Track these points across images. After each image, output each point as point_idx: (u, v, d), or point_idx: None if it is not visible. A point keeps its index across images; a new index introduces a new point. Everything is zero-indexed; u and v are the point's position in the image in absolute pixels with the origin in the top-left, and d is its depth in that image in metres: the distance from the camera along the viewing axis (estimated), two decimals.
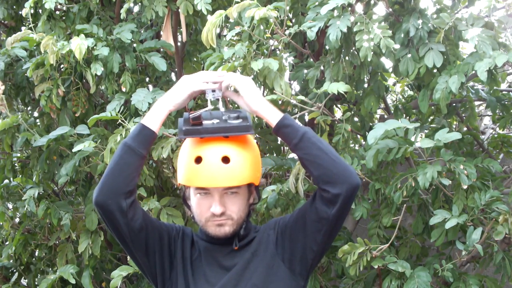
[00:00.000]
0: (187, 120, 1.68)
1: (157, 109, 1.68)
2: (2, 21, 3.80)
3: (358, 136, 3.36)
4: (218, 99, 1.70)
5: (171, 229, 1.80)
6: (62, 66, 3.13)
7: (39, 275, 3.67)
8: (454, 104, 3.17)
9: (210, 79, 1.69)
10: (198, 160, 1.63)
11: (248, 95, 1.67)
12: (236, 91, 1.71)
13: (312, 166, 1.64)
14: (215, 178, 1.61)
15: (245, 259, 1.74)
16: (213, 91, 1.69)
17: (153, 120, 1.66)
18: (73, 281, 3.06)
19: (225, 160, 1.62)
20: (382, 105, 3.48)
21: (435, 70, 2.65)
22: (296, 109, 2.75)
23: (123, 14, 2.95)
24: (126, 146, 1.64)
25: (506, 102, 3.17)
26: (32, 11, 3.13)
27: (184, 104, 1.70)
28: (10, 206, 3.76)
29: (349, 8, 2.64)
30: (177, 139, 2.80)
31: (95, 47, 2.93)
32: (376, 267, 2.61)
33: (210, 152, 1.63)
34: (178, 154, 2.75)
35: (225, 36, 3.25)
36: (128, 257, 2.87)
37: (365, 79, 2.99)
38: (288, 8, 2.68)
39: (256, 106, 1.67)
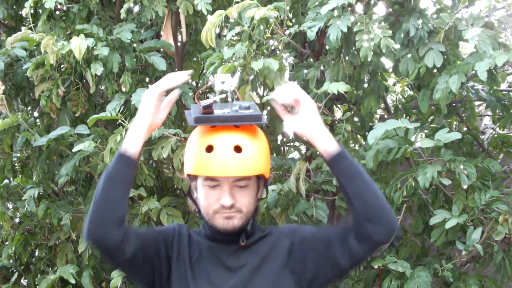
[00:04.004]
0: (197, 108, 1.63)
1: (131, 132, 1.61)
2: (2, 21, 3.80)
3: (358, 136, 3.36)
4: (226, 91, 1.66)
5: (166, 235, 1.72)
6: (62, 66, 3.12)
7: (39, 275, 3.66)
8: (454, 104, 3.17)
9: (173, 80, 1.64)
10: (209, 149, 1.57)
11: (308, 113, 1.61)
12: (290, 107, 1.66)
13: (358, 202, 1.58)
14: (227, 167, 1.56)
15: (255, 263, 1.67)
16: (223, 82, 1.65)
17: (130, 145, 1.59)
18: (73, 281, 3.06)
19: (237, 149, 1.57)
20: (382, 105, 3.48)
21: (435, 70, 2.65)
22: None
23: (123, 14, 2.95)
24: (107, 177, 1.58)
25: (506, 102, 3.17)
26: (32, 11, 3.13)
27: (159, 116, 1.64)
28: (10, 206, 3.76)
29: (349, 8, 2.64)
30: (177, 139, 2.80)
31: (95, 47, 2.93)
32: (376, 267, 2.61)
33: (222, 141, 1.58)
34: (181, 151, 2.78)
35: (225, 36, 3.25)
36: None
37: (365, 79, 2.99)
38: (288, 8, 2.68)
39: (313, 127, 1.61)
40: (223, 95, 1.66)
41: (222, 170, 1.56)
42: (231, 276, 1.65)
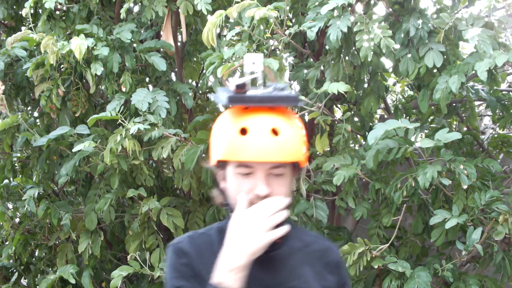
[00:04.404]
0: (227, 90, 1.50)
1: (235, 265, 1.38)
2: (2, 21, 3.80)
3: (358, 136, 3.36)
4: (257, 72, 1.52)
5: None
6: (62, 66, 3.12)
7: (39, 275, 3.66)
8: (454, 104, 3.17)
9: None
10: (244, 131, 1.42)
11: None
12: None
13: None
14: (263, 152, 1.40)
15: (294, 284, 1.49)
16: (253, 63, 1.51)
17: (235, 281, 1.37)
18: (73, 281, 3.06)
19: (274, 132, 1.41)
20: (382, 105, 3.48)
21: (435, 70, 2.65)
22: (296, 109, 2.75)
23: (123, 14, 2.94)
24: None
25: (506, 102, 3.17)
26: (32, 11, 3.12)
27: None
28: (10, 206, 3.75)
29: (349, 8, 2.64)
30: (177, 139, 2.80)
31: (95, 47, 2.93)
32: (376, 267, 2.61)
33: (258, 123, 1.43)
34: (181, 150, 2.78)
35: (225, 36, 3.25)
36: (128, 257, 2.90)
37: (365, 79, 2.99)
38: (288, 8, 2.68)
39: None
40: (254, 76, 1.51)
41: (258, 155, 1.40)
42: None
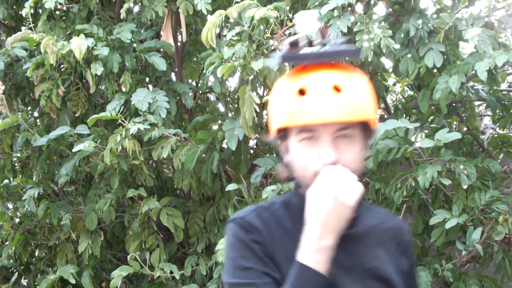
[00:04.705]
0: (282, 48, 1.36)
1: (322, 245, 1.23)
2: (2, 21, 3.80)
3: None
4: (311, 31, 1.36)
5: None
6: (62, 66, 3.12)
7: (39, 275, 3.66)
8: (454, 104, 3.17)
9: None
10: (302, 92, 1.27)
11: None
12: None
13: None
14: (325, 111, 1.23)
15: (372, 265, 1.31)
16: (306, 20, 1.36)
17: (325, 261, 1.23)
18: (73, 281, 3.06)
19: (337, 89, 1.25)
20: (382, 105, 3.48)
21: (435, 70, 2.65)
22: None
23: (123, 14, 2.94)
24: None
25: (506, 102, 3.17)
26: (32, 11, 3.12)
27: None
28: (10, 206, 3.75)
29: (349, 8, 2.64)
30: (177, 139, 2.80)
31: (95, 47, 2.93)
32: None
33: (317, 81, 1.28)
34: (181, 150, 2.78)
35: (225, 36, 3.25)
36: (128, 257, 2.90)
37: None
38: (288, 8, 2.68)
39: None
40: (309, 33, 1.35)
41: (320, 116, 1.24)
42: (348, 278, 1.29)
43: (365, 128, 1.31)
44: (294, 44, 1.33)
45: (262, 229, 1.31)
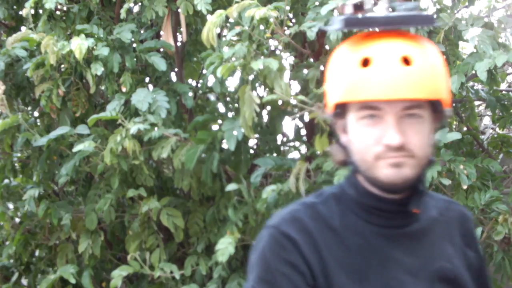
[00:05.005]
0: (345, 10, 1.20)
1: None
2: (2, 21, 3.80)
3: None
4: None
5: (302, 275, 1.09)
6: (62, 66, 3.12)
7: (39, 275, 3.66)
8: (454, 104, 3.17)
9: None
10: (366, 62, 1.10)
11: None
12: None
13: None
14: (392, 86, 1.07)
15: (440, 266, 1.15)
16: None
17: None
18: (73, 281, 3.06)
19: (406, 61, 1.09)
20: None
21: None
22: (296, 109, 2.75)
23: (123, 14, 2.95)
24: None
25: (506, 102, 3.17)
26: (32, 11, 3.12)
27: None
28: (10, 206, 3.75)
29: None
30: (177, 139, 2.80)
31: (95, 47, 2.93)
32: None
33: (384, 50, 1.11)
34: (181, 150, 2.77)
35: (225, 36, 3.25)
36: (128, 257, 2.90)
37: None
38: (288, 8, 2.68)
39: None
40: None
41: (386, 91, 1.08)
42: (414, 284, 1.11)
43: (435, 108, 1.14)
44: (359, 7, 1.17)
45: (301, 241, 1.09)
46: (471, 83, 3.19)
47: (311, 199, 1.19)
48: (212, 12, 2.67)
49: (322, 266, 1.08)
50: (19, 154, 3.51)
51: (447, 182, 2.44)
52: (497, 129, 3.85)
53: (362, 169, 1.13)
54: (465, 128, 3.40)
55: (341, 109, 1.15)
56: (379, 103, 1.09)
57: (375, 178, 1.11)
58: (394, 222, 1.15)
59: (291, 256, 1.08)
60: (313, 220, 1.13)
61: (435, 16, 1.14)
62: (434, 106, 1.13)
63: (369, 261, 1.10)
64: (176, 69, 3.39)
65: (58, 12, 3.39)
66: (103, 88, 3.36)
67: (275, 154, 3.29)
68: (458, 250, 1.20)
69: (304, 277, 1.08)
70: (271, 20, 2.53)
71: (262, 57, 2.63)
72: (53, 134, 2.94)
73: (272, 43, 2.71)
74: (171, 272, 2.88)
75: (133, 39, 3.06)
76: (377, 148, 1.10)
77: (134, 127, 2.74)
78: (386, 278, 1.10)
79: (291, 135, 3.49)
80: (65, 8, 3.35)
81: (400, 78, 1.08)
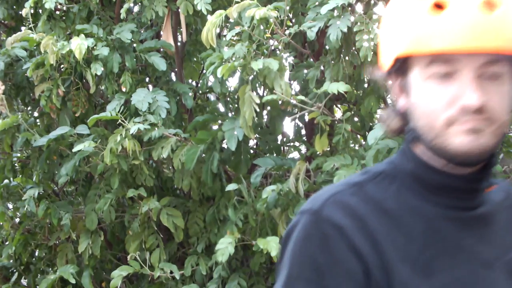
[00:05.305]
0: None
1: None
2: (2, 21, 3.80)
3: (358, 136, 3.36)
4: None
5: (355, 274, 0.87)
6: (62, 66, 3.12)
7: (39, 275, 3.66)
8: None
9: None
10: (439, 6, 0.89)
11: None
12: None
13: None
14: (472, 34, 0.86)
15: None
16: None
17: None
18: (73, 281, 3.06)
19: (488, 5, 0.88)
20: (382, 105, 3.48)
21: None
22: (296, 109, 2.75)
23: (123, 14, 2.95)
24: None
25: None
26: (32, 11, 3.13)
27: None
28: (10, 206, 3.76)
29: (349, 8, 2.64)
30: (177, 139, 2.79)
31: (95, 47, 2.93)
32: None
33: None
34: (181, 150, 2.78)
35: (225, 36, 3.25)
36: (128, 257, 2.90)
37: (365, 79, 2.99)
38: (288, 8, 2.68)
39: None
40: None
41: (464, 40, 0.86)
42: (489, 277, 0.92)
43: None
44: None
45: (350, 228, 0.88)
46: None
47: (357, 178, 0.98)
48: (212, 12, 2.67)
49: (379, 258, 0.87)
50: (19, 154, 3.52)
51: None
52: None
53: (428, 138, 0.91)
54: None
55: (403, 64, 0.94)
56: (455, 56, 0.88)
57: (445, 148, 0.89)
58: (463, 203, 0.94)
59: (337, 248, 0.87)
60: (362, 202, 0.92)
61: None
62: None
63: (436, 250, 0.90)
64: (176, 69, 3.39)
65: (58, 12, 3.39)
66: (103, 88, 3.36)
67: (275, 154, 3.29)
68: None
69: (355, 274, 0.87)
70: (271, 20, 2.53)
71: (262, 57, 2.63)
72: (53, 134, 2.94)
73: (272, 43, 2.71)
74: (171, 272, 2.88)
75: (133, 39, 3.06)
76: (450, 111, 0.88)
77: (134, 127, 2.74)
78: (458, 271, 0.90)
79: (291, 135, 3.50)
80: (65, 8, 3.35)
81: (481, 26, 0.87)
